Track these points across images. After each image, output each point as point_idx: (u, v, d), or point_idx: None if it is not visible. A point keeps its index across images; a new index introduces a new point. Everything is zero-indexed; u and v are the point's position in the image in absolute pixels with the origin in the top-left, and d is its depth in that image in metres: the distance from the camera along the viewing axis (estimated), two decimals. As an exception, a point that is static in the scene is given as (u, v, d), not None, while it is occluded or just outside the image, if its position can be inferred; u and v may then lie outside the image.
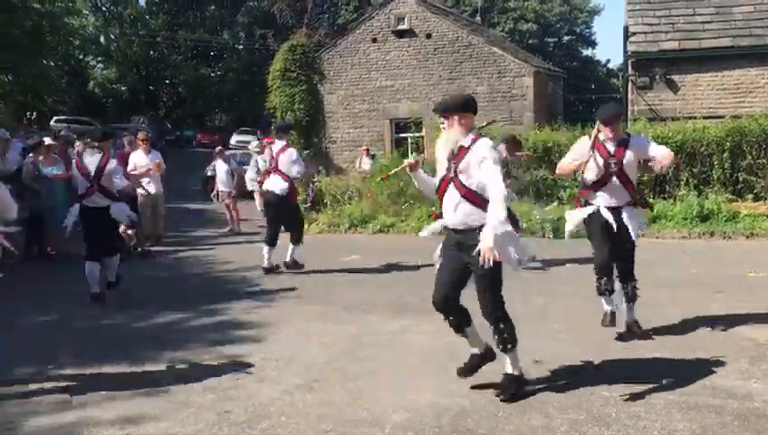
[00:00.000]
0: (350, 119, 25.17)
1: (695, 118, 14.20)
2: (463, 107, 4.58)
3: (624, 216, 5.66)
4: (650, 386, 4.60)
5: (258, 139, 20.95)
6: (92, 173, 7.49)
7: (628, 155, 5.63)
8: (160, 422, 4.26)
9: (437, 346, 5.65)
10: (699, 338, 5.70)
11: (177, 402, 4.58)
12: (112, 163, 7.70)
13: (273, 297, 7.77)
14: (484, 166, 4.34)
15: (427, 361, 5.30)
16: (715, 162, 12.85)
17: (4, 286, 8.04)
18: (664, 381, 4.69)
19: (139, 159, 11.28)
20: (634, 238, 5.68)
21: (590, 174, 5.75)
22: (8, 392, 4.84)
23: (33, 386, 4.96)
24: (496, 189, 4.25)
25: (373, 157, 19.65)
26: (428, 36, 24.43)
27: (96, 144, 7.81)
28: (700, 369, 4.95)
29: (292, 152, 8.85)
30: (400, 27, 24.57)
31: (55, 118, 38.11)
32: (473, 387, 4.66)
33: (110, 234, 7.90)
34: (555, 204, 12.93)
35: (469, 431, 4.03)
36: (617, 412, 4.21)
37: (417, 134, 24.47)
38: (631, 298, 5.84)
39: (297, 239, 9.16)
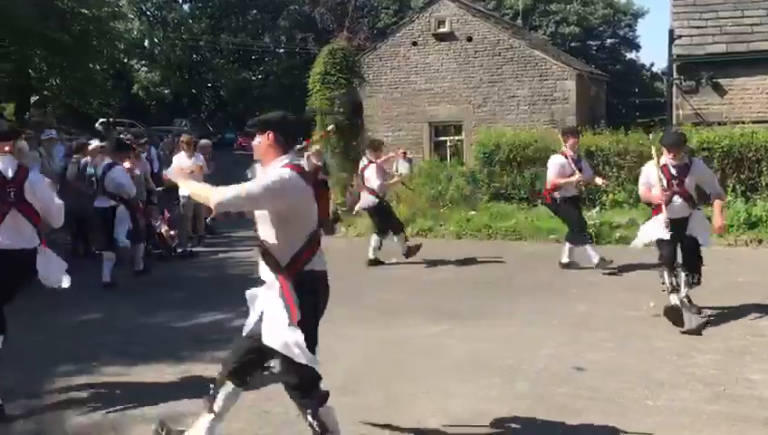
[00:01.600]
0: (389, 122, 25.19)
1: (743, 123, 13.84)
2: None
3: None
4: (696, 395, 4.50)
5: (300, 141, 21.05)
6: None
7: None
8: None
9: (473, 351, 5.61)
10: (746, 348, 5.55)
11: (216, 402, 4.61)
12: (370, 169, 9.63)
13: (311, 299, 7.81)
14: None
15: (464, 366, 5.26)
16: (764, 168, 12.50)
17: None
18: (710, 391, 4.58)
19: (182, 162, 11.47)
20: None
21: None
22: (53, 389, 4.95)
23: (76, 383, 5.06)
24: None
25: (410, 160, 19.60)
26: (469, 39, 24.32)
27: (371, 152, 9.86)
28: (746, 378, 4.82)
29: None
30: (441, 30, 24.51)
31: (100, 120, 38.94)
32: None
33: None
34: (597, 209, 12.75)
35: (508, 438, 3.99)
36: (661, 421, 4.12)
37: (456, 138, 24.40)
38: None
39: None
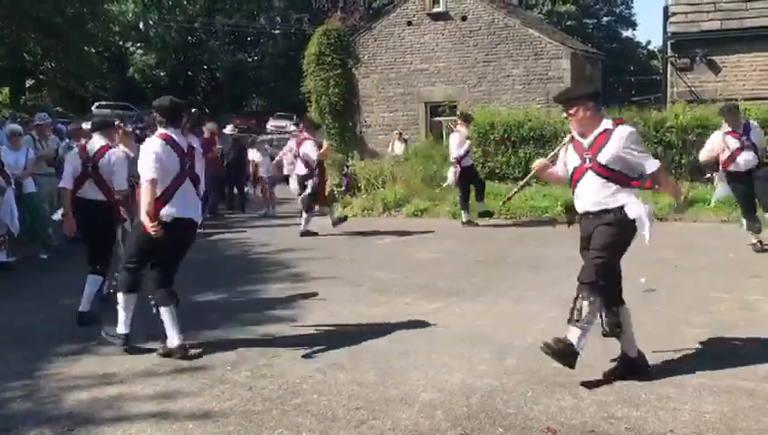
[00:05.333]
0: (385, 103, 25.15)
1: (736, 100, 13.87)
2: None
3: None
4: (682, 368, 4.58)
5: (296, 124, 21.08)
6: None
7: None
8: (196, 398, 4.39)
9: (468, 329, 5.69)
10: (734, 321, 5.64)
11: (212, 379, 4.70)
12: None
13: (307, 279, 7.88)
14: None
15: (457, 342, 5.34)
16: (757, 145, 12.54)
17: (49, 265, 8.31)
18: (696, 364, 4.66)
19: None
20: None
21: None
22: (53, 368, 5.03)
23: (75, 362, 5.14)
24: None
25: (406, 141, 19.61)
26: (464, 19, 24.23)
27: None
28: (733, 352, 4.91)
29: None
30: (435, 10, 24.41)
31: (97, 104, 38.81)
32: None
33: None
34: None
35: (498, 411, 4.07)
36: (646, 394, 4.21)
37: (451, 118, 24.37)
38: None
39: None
